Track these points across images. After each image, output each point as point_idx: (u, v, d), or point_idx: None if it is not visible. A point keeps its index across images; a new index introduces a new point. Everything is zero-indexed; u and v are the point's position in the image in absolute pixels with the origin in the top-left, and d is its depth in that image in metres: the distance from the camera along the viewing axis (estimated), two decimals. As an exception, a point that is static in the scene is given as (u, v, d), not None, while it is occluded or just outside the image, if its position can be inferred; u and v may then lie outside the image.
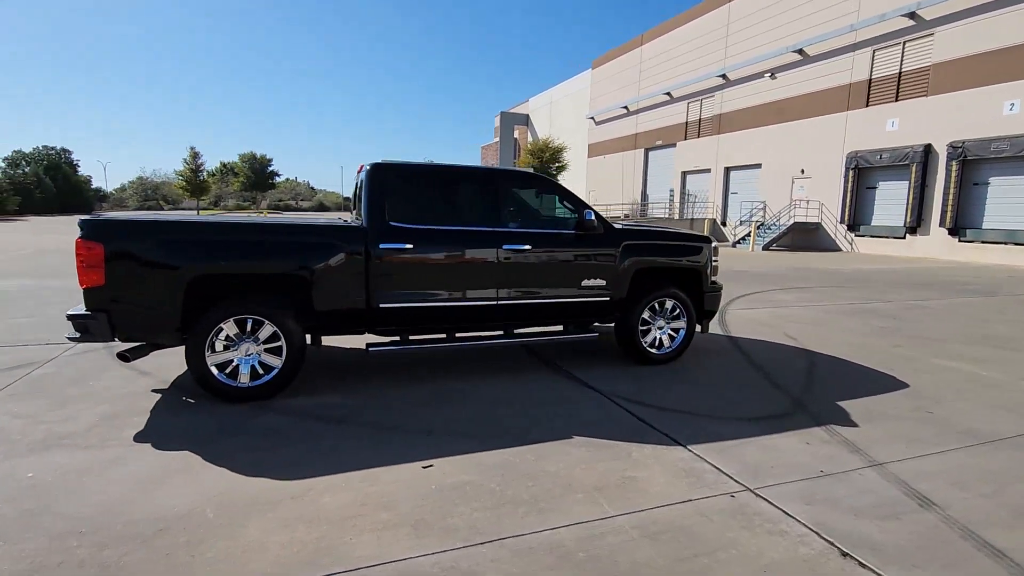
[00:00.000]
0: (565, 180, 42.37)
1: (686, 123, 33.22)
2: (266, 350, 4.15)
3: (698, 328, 5.62)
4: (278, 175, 70.86)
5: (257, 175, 64.76)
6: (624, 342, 5.29)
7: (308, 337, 4.49)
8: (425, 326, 4.72)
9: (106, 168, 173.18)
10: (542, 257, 4.86)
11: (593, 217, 4.85)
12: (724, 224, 30.53)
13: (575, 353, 5.77)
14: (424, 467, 3.19)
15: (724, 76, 29.63)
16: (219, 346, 4.06)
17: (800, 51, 24.96)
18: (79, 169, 78.45)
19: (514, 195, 5.02)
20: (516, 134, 55.29)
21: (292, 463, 3.22)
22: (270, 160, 67.59)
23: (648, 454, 3.41)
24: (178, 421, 3.80)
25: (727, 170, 30.48)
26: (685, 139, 33.31)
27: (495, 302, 4.75)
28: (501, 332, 5.07)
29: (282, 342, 4.15)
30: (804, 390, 4.73)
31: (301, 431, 3.68)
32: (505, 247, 4.70)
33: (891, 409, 4.27)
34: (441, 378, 4.82)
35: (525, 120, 55.45)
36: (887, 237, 21.79)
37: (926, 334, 7.07)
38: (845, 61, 23.11)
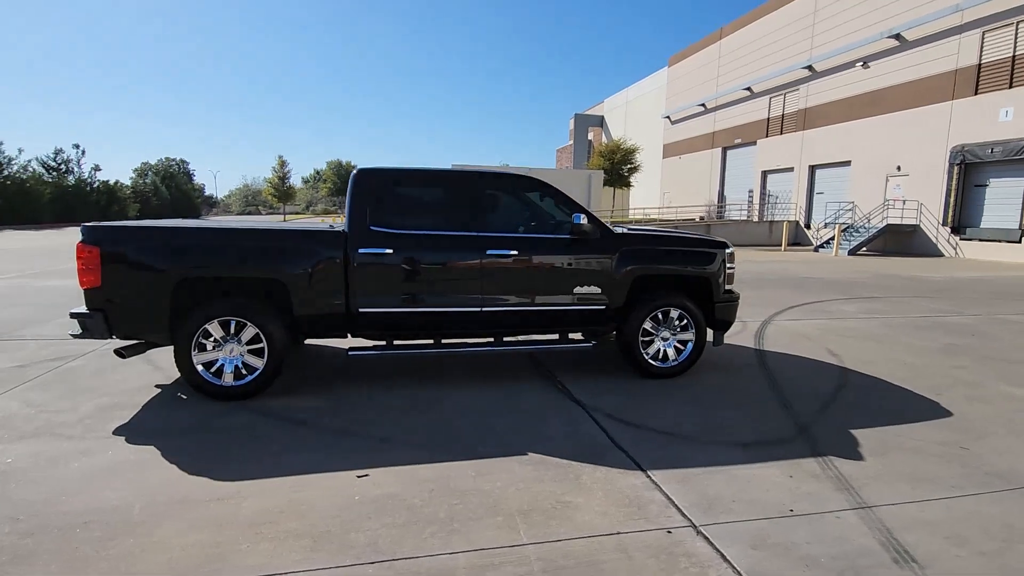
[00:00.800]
0: (638, 182, 41.30)
1: (767, 119, 31.30)
2: (249, 351, 4.29)
3: (710, 341, 5.19)
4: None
5: (343, 181, 68.72)
6: (625, 354, 4.98)
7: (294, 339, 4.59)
8: (407, 332, 4.69)
9: (216, 176, 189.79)
10: (529, 263, 4.68)
11: (584, 221, 4.60)
12: (808, 227, 28.41)
13: (578, 363, 5.52)
14: (359, 476, 3.14)
15: (810, 68, 27.62)
16: (207, 346, 4.24)
17: (897, 36, 22.71)
18: (194, 177, 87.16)
19: (502, 199, 4.88)
20: (591, 136, 54.62)
21: (239, 464, 3.28)
22: (355, 167, 71.16)
23: (598, 477, 3.16)
24: (160, 416, 4.01)
25: (812, 168, 28.37)
26: (766, 136, 31.38)
27: (479, 309, 4.63)
28: (491, 339, 4.94)
29: (264, 344, 4.27)
30: (817, 414, 4.22)
31: (264, 432, 3.76)
32: (489, 252, 4.57)
33: (915, 442, 3.70)
34: (422, 385, 4.77)
35: (600, 121, 54.67)
36: (998, 241, 19.25)
37: (1002, 355, 6.11)
38: (950, 45, 20.73)
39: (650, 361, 4.98)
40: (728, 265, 5.12)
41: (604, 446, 3.59)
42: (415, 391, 4.59)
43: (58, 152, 36.34)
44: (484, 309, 4.64)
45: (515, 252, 4.63)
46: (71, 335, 4.17)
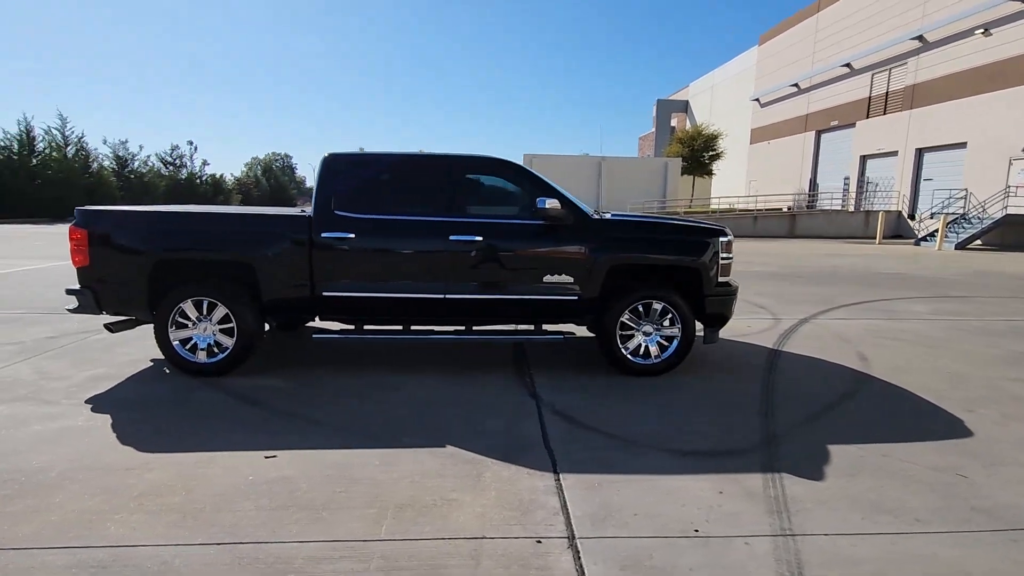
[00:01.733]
0: (720, 170, 39.08)
1: (868, 98, 28.39)
2: (220, 330, 4.47)
3: (701, 337, 4.75)
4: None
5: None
6: (602, 348, 4.67)
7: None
8: (370, 317, 4.67)
9: (314, 168, 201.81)
10: (495, 249, 4.50)
11: (550, 205, 4.33)
12: (912, 217, 25.52)
13: (564, 356, 5.27)
14: (267, 457, 3.16)
15: (920, 38, 24.66)
16: (184, 324, 4.46)
17: (1027, -3, 19.69)
18: (296, 170, 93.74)
19: (471, 183, 4.71)
20: (674, 122, 52.36)
21: (173, 438, 3.42)
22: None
23: (503, 477, 2.97)
24: (137, 389, 4.28)
25: (919, 152, 25.42)
26: (867, 117, 28.50)
27: (443, 296, 4.52)
28: (462, 328, 4.82)
29: (233, 324, 4.43)
30: (799, 426, 3.72)
31: (217, 409, 3.89)
32: (452, 238, 4.44)
33: (901, 464, 3.15)
34: (390, 371, 4.74)
35: (684, 107, 52.25)
36: None
37: (1085, 368, 5.10)
38: (1095, 3, 17.64)
39: (629, 357, 4.64)
40: (723, 255, 4.63)
41: (533, 444, 3.38)
42: (380, 377, 4.57)
43: (174, 148, 40.46)
44: (448, 296, 4.53)
45: (479, 238, 4.46)
46: (67, 309, 4.56)
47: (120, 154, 34.89)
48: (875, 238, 23.03)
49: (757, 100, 38.52)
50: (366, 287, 4.51)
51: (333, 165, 4.58)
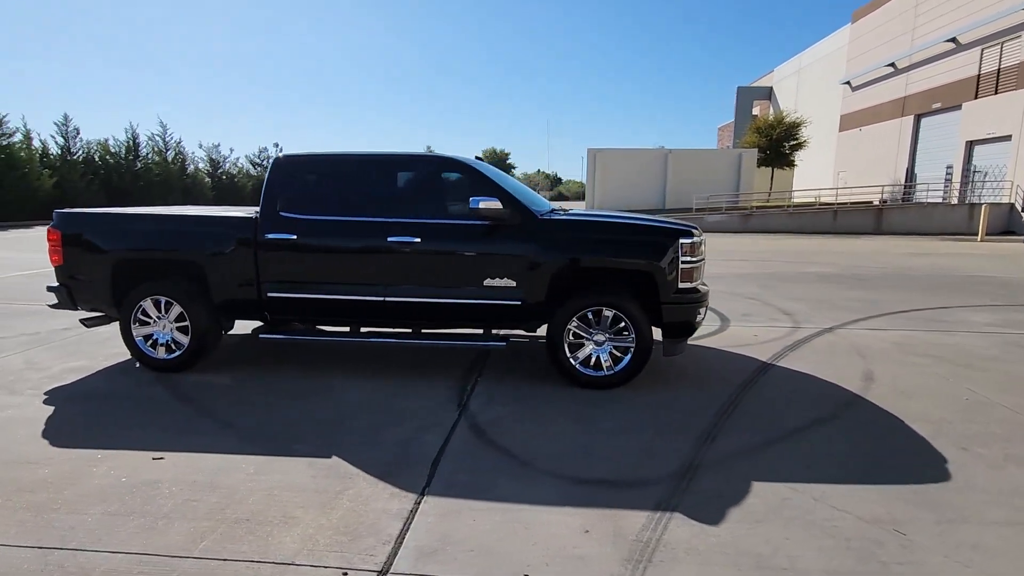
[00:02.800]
0: (804, 160, 36.29)
1: (977, 76, 25.15)
2: (177, 328, 4.62)
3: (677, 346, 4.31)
4: (514, 167, 77.01)
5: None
6: (550, 357, 4.36)
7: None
8: (316, 318, 4.65)
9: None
10: (434, 251, 4.32)
11: (483, 205, 4.07)
12: (1026, 211, 22.34)
13: (537, 361, 4.99)
14: (154, 459, 3.19)
15: (1041, 5, 21.46)
16: (146, 321, 4.65)
17: None
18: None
19: (414, 183, 4.54)
20: (757, 110, 49.20)
21: (94, 433, 3.54)
22: (507, 154, 74.00)
23: (363, 495, 2.80)
24: (101, 381, 4.52)
25: (1037, 136, 22.18)
26: (975, 98, 25.29)
27: (382, 299, 4.40)
28: (410, 331, 4.69)
29: (188, 322, 4.57)
30: (738, 455, 3.25)
31: (154, 405, 4.02)
32: (390, 239, 4.31)
33: (827, 511, 2.65)
34: (330, 374, 4.68)
35: (767, 94, 48.99)
36: None
37: None
38: None
39: (578, 368, 4.30)
40: (685, 258, 4.16)
41: (421, 461, 3.18)
42: (317, 379, 4.54)
43: (262, 151, 43.37)
44: (388, 299, 4.41)
45: (418, 239, 4.30)
46: (48, 305, 4.89)
47: (213, 157, 38.02)
48: (978, 234, 20.35)
49: (848, 83, 35.28)
50: (309, 288, 4.49)
51: (281, 166, 4.59)
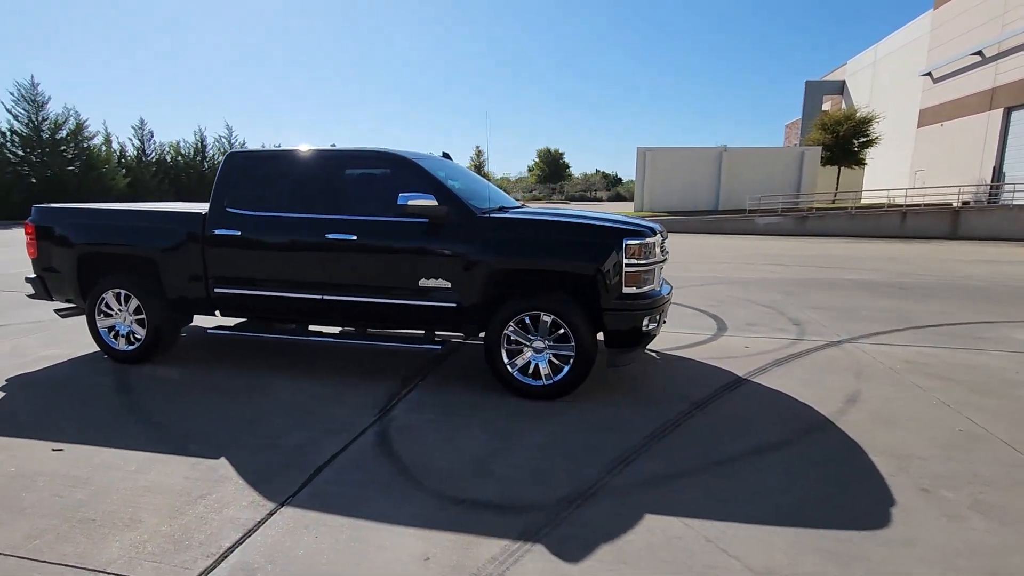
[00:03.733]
0: (875, 158, 33.78)
1: (1078, 64, 22.44)
2: (135, 321, 4.72)
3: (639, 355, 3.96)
4: (569, 167, 75.92)
5: (551, 168, 70.86)
6: (488, 364, 4.12)
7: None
8: (261, 315, 4.61)
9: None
10: (370, 249, 4.17)
11: (412, 203, 3.87)
12: None
13: (484, 365, 4.77)
14: (53, 450, 3.21)
15: None
16: (108, 313, 4.78)
17: None
18: (486, 166, 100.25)
19: (355, 179, 4.39)
20: (828, 105, 46.30)
21: (14, 421, 3.65)
22: (562, 154, 73.13)
23: (222, 501, 2.68)
24: (62, 371, 4.68)
25: None
26: (1075, 88, 22.57)
27: (320, 297, 4.31)
28: (353, 330, 4.57)
29: (144, 315, 4.66)
30: (644, 483, 2.91)
31: (89, 395, 4.10)
32: (328, 236, 4.21)
33: (711, 556, 2.29)
34: (275, 371, 4.63)
35: (839, 88, 46.00)
36: None
37: None
38: None
39: (516, 376, 4.04)
40: (630, 261, 3.81)
41: (303, 468, 3.03)
42: (262, 378, 4.49)
43: (331, 147, 45.33)
44: (327, 298, 4.31)
45: (354, 237, 4.17)
46: (27, 295, 5.13)
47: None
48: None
49: (929, 75, 32.44)
50: (253, 285, 4.46)
51: (231, 162, 4.59)
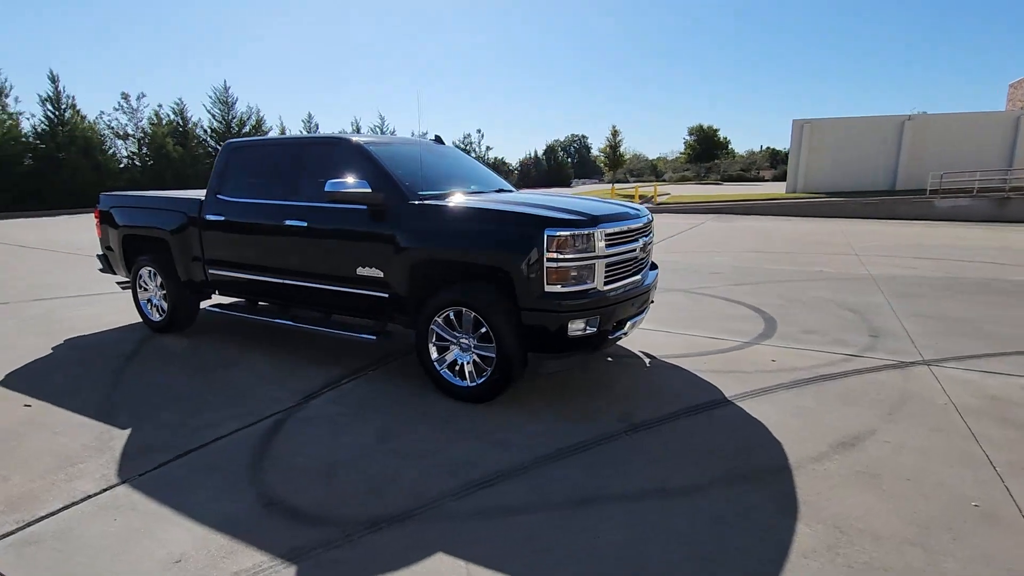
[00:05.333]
0: None
1: None
2: (162, 296, 5.33)
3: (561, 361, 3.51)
4: (725, 146, 69.39)
5: (703, 146, 65.43)
6: (418, 359, 3.91)
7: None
8: (245, 297, 4.88)
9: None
10: (317, 234, 4.18)
11: (337, 189, 3.74)
12: None
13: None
14: (25, 405, 3.73)
15: None
16: (145, 288, 5.46)
17: None
18: (591, 150, 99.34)
19: (312, 165, 4.36)
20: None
21: (25, 375, 4.31)
22: (716, 130, 66.90)
23: (74, 471, 2.88)
24: (103, 335, 5.45)
25: None
26: None
27: (281, 281, 4.44)
28: (319, 315, 4.64)
29: (165, 291, 5.25)
30: (482, 514, 2.51)
31: (101, 358, 4.70)
32: (286, 223, 4.29)
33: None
34: (262, 350, 4.87)
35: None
36: None
37: None
38: None
39: (443, 373, 3.78)
40: (553, 254, 3.29)
41: (173, 450, 3.13)
42: (244, 355, 4.75)
43: (466, 136, 47.54)
44: (287, 282, 4.42)
45: (305, 223, 4.20)
46: (98, 269, 6.06)
47: (423, 144, 42.88)
48: None
49: None
50: (232, 267, 4.74)
51: (225, 151, 4.90)
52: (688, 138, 70.53)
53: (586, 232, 3.37)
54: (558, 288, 3.34)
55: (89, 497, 2.66)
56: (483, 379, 3.61)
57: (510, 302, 3.47)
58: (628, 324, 3.81)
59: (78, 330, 5.55)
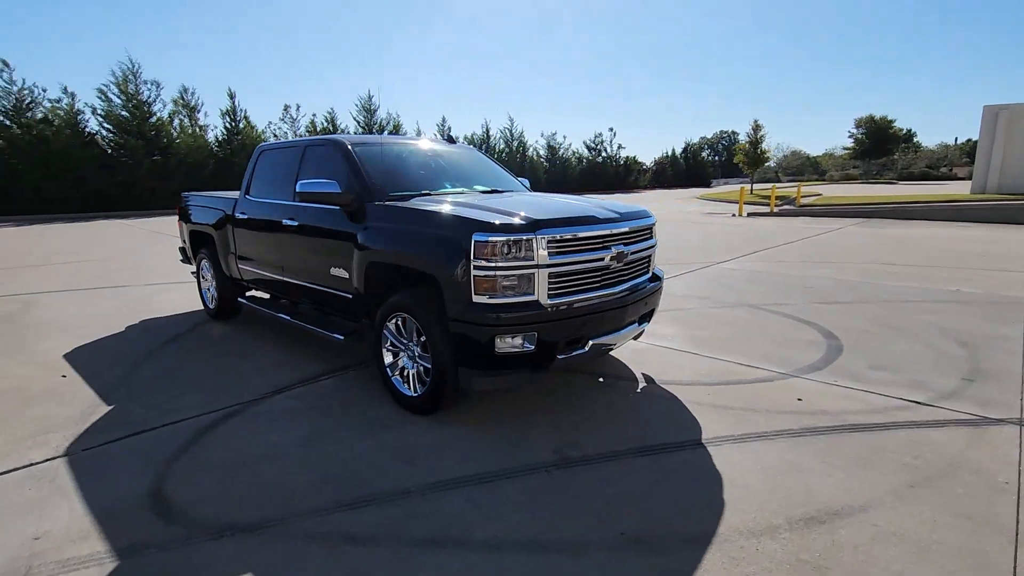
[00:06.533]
0: None
1: None
2: (215, 286, 5.90)
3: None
4: (906, 139, 59.22)
5: (874, 140, 56.45)
6: (376, 363, 3.82)
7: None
8: (263, 291, 5.17)
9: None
10: (304, 233, 4.28)
11: (305, 189, 3.75)
12: None
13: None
14: (62, 376, 4.32)
15: None
16: (205, 278, 6.08)
17: None
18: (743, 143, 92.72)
19: (310, 166, 4.43)
20: None
21: (98, 346, 5.02)
22: (891, 121, 57.09)
23: (33, 443, 3.23)
24: (172, 318, 6.17)
25: None
26: None
27: (281, 278, 4.63)
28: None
29: (215, 282, 5.80)
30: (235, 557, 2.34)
31: (142, 342, 5.31)
32: (284, 222, 4.47)
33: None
34: (284, 340, 5.14)
35: None
36: None
37: None
38: None
39: (393, 380, 3.65)
40: (479, 261, 2.98)
41: (116, 431, 3.39)
42: (256, 347, 5.01)
43: (597, 135, 46.84)
44: (285, 279, 4.61)
45: (295, 222, 4.33)
46: (180, 260, 6.87)
47: (551, 144, 43.14)
48: None
49: None
50: (251, 262, 5.07)
51: (256, 152, 5.25)
52: (855, 131, 61.51)
53: (521, 238, 3.01)
54: (485, 299, 3.02)
55: (30, 465, 2.96)
56: (424, 391, 3.41)
57: (442, 311, 3.23)
58: (592, 343, 3.35)
59: (156, 312, 6.35)
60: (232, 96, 28.09)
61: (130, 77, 24.99)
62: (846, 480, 2.71)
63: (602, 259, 3.34)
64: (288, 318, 4.65)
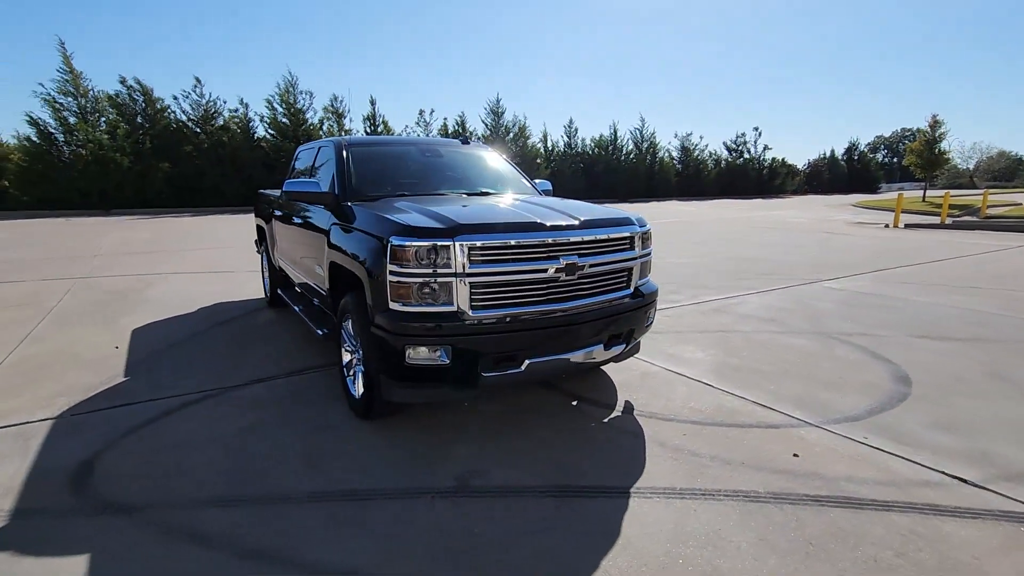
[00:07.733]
0: None
1: None
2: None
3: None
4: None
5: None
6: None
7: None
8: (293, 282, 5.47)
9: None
10: (305, 229, 4.44)
11: (291, 188, 3.88)
12: None
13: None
14: (115, 347, 4.96)
15: None
16: (266, 268, 6.65)
17: None
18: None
19: (320, 165, 4.56)
20: None
21: (160, 320, 5.72)
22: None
23: (33, 400, 3.69)
24: (240, 303, 6.82)
25: None
26: None
27: (293, 271, 4.87)
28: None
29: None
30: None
31: (195, 323, 5.91)
32: (294, 218, 4.69)
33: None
34: (290, 333, 5.40)
35: None
36: None
37: None
38: None
39: (347, 380, 3.63)
40: (394, 266, 2.81)
41: (97, 407, 3.75)
42: (280, 335, 5.34)
43: (739, 136, 43.45)
44: (295, 273, 4.84)
45: (300, 220, 4.51)
46: (256, 251, 7.56)
47: (685, 145, 40.84)
48: None
49: None
50: (281, 256, 5.40)
51: (296, 153, 5.58)
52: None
53: (437, 243, 2.79)
54: (399, 306, 2.86)
55: (26, 423, 3.40)
56: (363, 394, 3.34)
57: (367, 316, 3.12)
58: (528, 362, 3.02)
59: (232, 296, 7.06)
60: (373, 103, 30.92)
61: (289, 88, 28.52)
62: (773, 572, 2.11)
63: (546, 270, 2.99)
64: (297, 309, 4.88)
